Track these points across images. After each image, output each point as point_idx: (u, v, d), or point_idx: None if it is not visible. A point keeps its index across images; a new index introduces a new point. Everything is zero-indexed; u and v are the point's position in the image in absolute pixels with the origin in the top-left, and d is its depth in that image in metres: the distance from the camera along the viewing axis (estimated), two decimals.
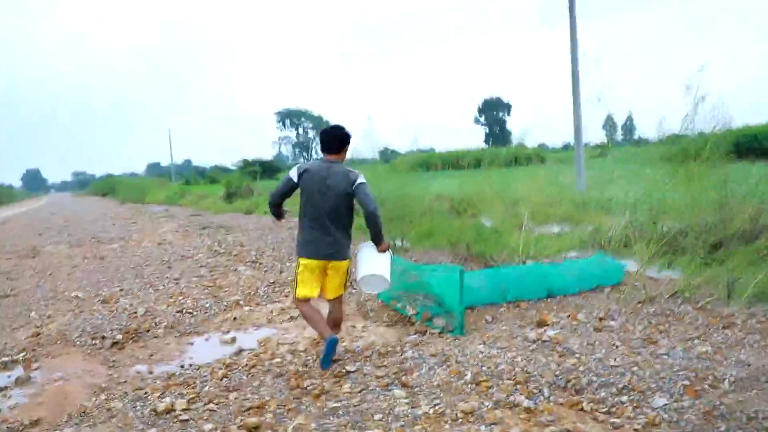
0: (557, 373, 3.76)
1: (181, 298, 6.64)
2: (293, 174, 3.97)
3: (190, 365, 4.56)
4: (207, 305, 6.34)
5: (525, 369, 3.83)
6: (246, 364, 4.38)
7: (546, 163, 33.36)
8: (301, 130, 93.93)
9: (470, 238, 9.25)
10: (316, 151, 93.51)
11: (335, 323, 4.33)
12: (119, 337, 5.30)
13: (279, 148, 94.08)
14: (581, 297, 6.46)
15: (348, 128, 4.09)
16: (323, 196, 3.89)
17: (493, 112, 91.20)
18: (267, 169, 37.21)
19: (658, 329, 4.61)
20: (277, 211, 4.25)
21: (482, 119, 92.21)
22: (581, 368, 3.83)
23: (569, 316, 5.06)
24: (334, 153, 4.01)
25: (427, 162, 34.79)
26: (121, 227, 15.40)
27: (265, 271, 8.46)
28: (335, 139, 4.02)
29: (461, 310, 5.14)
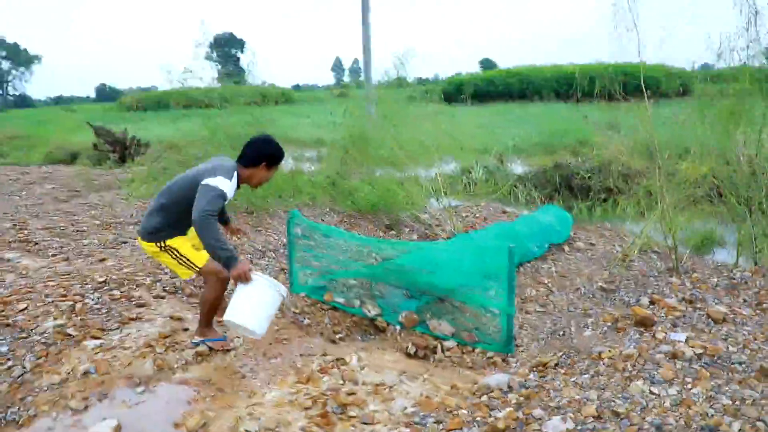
0: None
1: None
2: None
3: None
4: (1, 347, 3.22)
5: (759, 418, 2.26)
6: None
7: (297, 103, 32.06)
8: None
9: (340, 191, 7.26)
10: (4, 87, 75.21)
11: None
12: None
13: None
14: (550, 261, 5.21)
15: (268, 146, 3.30)
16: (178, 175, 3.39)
17: (226, 48, 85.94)
18: None
19: None
20: None
21: (214, 56, 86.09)
22: None
23: (652, 302, 3.62)
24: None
25: (162, 101, 30.07)
26: None
27: (53, 256, 5.21)
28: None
29: (512, 312, 3.32)
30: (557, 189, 8.26)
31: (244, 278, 2.91)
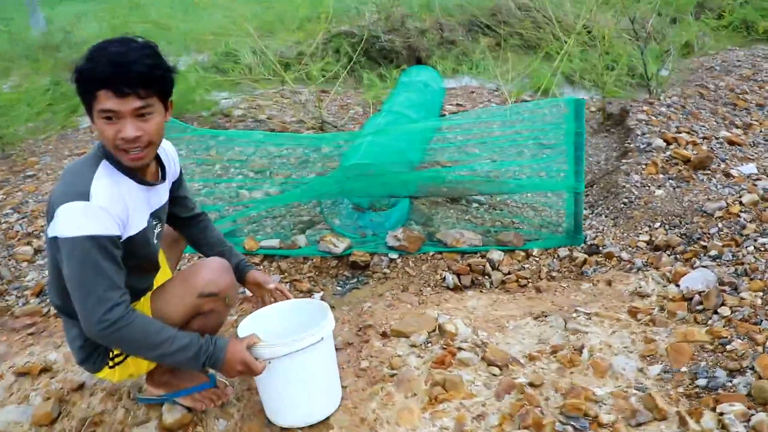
0: None
1: None
2: None
3: None
4: None
5: None
6: None
7: None
8: None
9: None
10: None
11: None
12: None
13: None
14: None
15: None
16: None
17: None
18: None
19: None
20: None
21: None
22: None
23: (668, 141, 3.11)
24: None
25: None
26: None
27: None
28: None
29: (581, 190, 2.54)
30: (352, 60, 7.36)
31: (252, 374, 1.47)
